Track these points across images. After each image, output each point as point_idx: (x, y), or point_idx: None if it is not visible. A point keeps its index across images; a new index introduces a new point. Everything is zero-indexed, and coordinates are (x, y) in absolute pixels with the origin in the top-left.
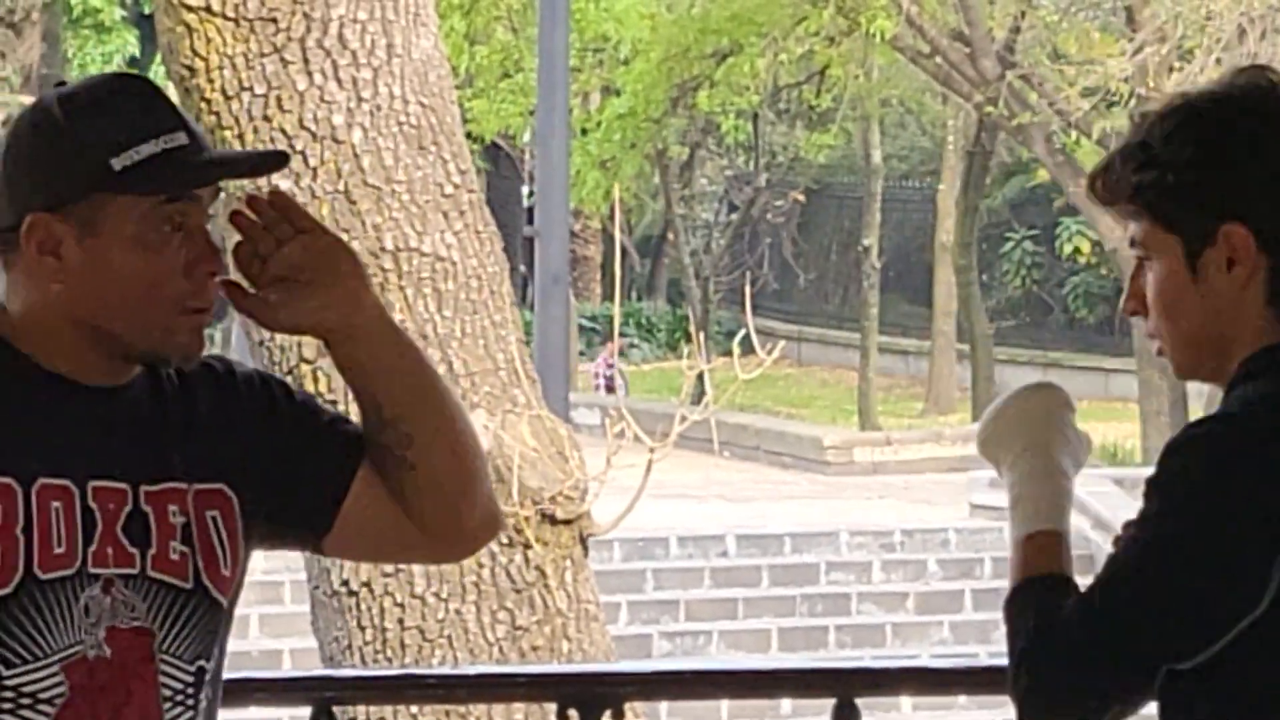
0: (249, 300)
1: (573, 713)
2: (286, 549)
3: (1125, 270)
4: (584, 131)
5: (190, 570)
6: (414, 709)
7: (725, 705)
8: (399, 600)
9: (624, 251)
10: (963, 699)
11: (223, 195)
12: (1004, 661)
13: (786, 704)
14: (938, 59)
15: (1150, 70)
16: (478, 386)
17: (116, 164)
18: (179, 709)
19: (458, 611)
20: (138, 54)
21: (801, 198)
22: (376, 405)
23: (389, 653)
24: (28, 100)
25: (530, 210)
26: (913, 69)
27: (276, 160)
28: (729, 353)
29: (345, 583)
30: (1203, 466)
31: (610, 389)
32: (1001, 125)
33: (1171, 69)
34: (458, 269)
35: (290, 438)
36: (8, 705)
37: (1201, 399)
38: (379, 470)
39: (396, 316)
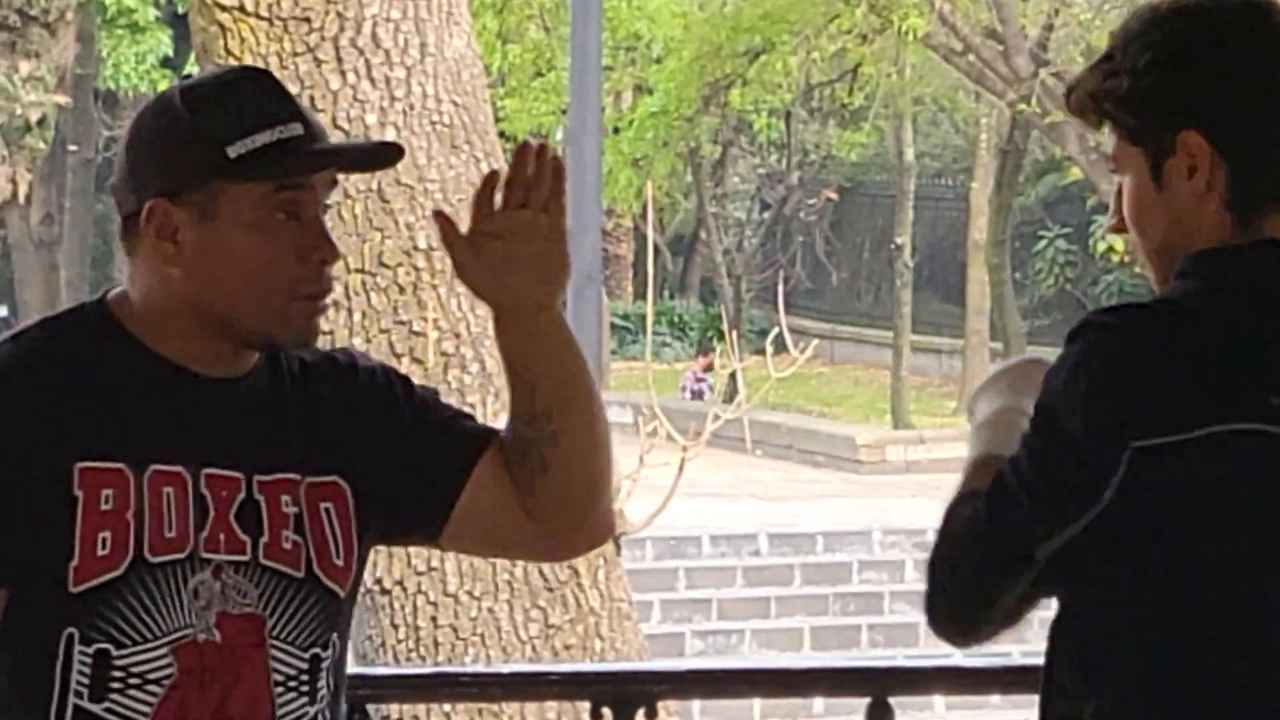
0: (455, 237)
1: (606, 711)
2: (404, 544)
3: None
4: (616, 130)
5: (303, 560)
6: (447, 707)
7: (757, 704)
8: (432, 599)
9: (656, 250)
10: (996, 698)
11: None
12: (1037, 661)
13: (819, 703)
14: (970, 56)
15: None
16: None
17: (232, 151)
18: (292, 695)
19: (490, 610)
20: (171, 54)
21: (834, 196)
22: (530, 396)
23: (422, 651)
24: (62, 100)
25: None
26: (945, 67)
27: (390, 152)
28: (761, 351)
29: (379, 581)
30: (1081, 348)
31: (698, 397)
32: (1034, 123)
33: None
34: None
35: (408, 433)
36: (117, 685)
37: None
38: (512, 465)
39: (429, 315)
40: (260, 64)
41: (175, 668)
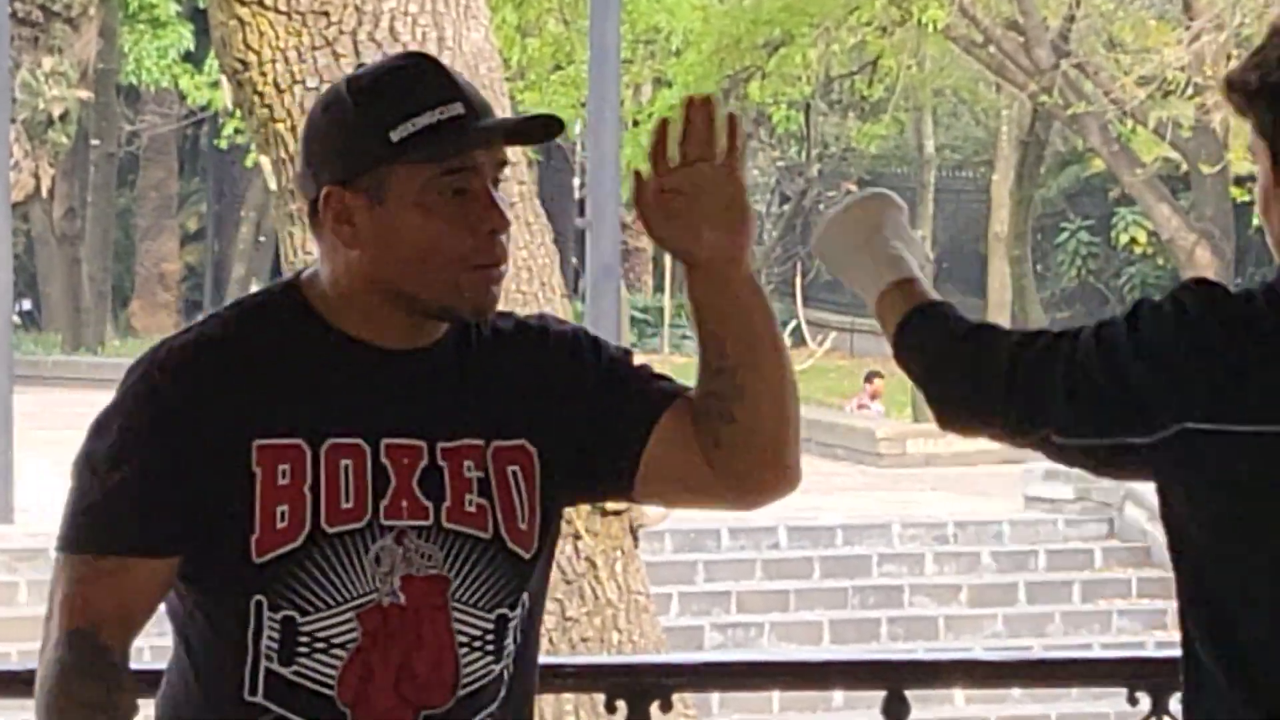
0: (645, 192)
1: (620, 704)
2: (598, 500)
3: (1181, 260)
4: (635, 123)
5: (490, 522)
6: None
7: (776, 697)
8: None
9: None
10: (1016, 692)
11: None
12: (1059, 654)
13: (838, 696)
14: (991, 48)
15: (1207, 58)
16: None
17: (394, 136)
18: (478, 654)
19: None
20: (192, 48)
21: (854, 188)
22: (720, 350)
23: None
24: (84, 95)
25: (582, 202)
26: (966, 58)
27: (547, 124)
28: None
29: None
30: (1170, 312)
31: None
32: (1056, 115)
33: (1229, 56)
34: (509, 260)
35: (595, 392)
36: (303, 649)
37: None
38: (699, 418)
39: None
40: (279, 58)
41: (359, 631)
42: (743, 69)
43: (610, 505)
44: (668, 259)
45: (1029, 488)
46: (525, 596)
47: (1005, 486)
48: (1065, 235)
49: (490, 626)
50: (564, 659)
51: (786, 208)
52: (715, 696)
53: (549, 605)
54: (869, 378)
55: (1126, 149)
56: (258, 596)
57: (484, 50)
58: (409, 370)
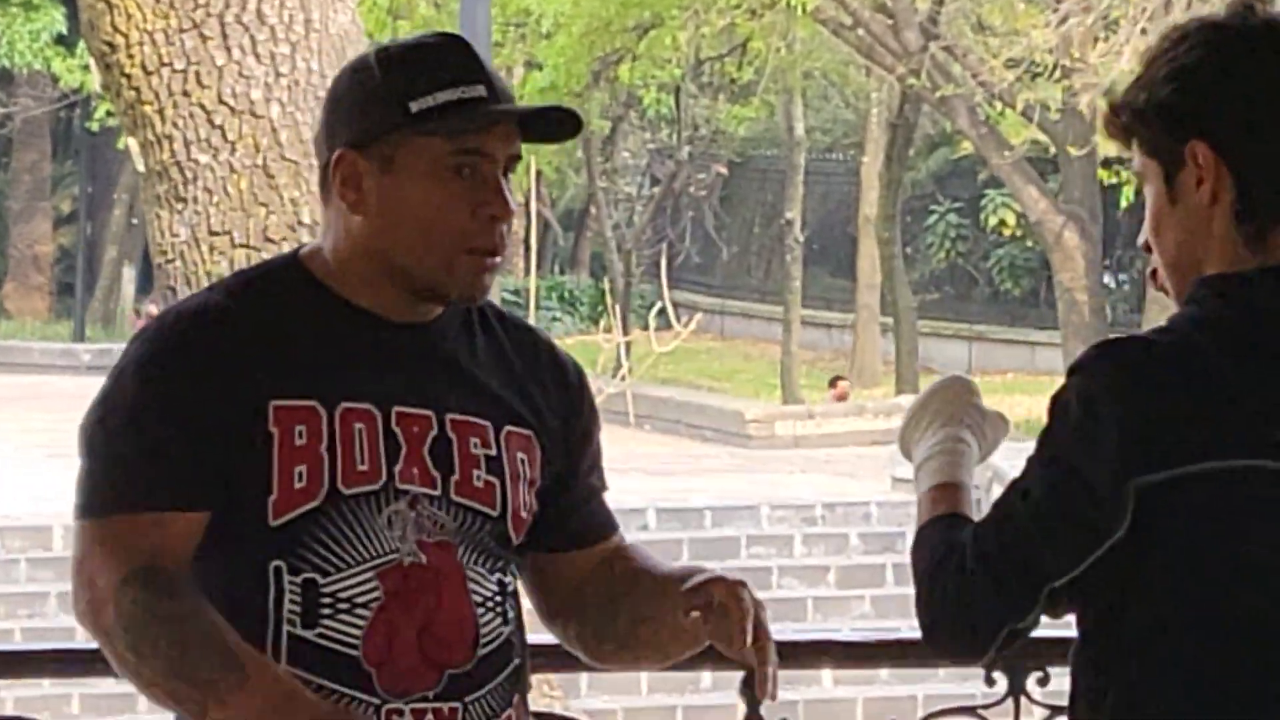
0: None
1: None
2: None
3: (1049, 242)
4: None
5: (498, 500)
6: None
7: (644, 678)
8: None
9: (546, 225)
10: (884, 673)
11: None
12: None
13: (707, 677)
14: (860, 31)
15: (1075, 41)
16: None
17: (414, 106)
18: (490, 615)
19: None
20: (65, 31)
21: (724, 171)
22: (639, 642)
23: None
24: None
25: None
26: (835, 41)
27: (568, 120)
28: (646, 326)
29: None
30: (1083, 383)
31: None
32: (925, 97)
33: (1096, 39)
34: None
35: (570, 451)
36: (327, 610)
37: None
38: (576, 609)
39: None
40: (147, 40)
41: (380, 590)
42: (613, 52)
43: None
44: (533, 238)
45: (896, 469)
46: (514, 568)
47: (873, 468)
48: (934, 217)
49: (495, 590)
50: None
51: (656, 190)
52: (584, 677)
53: None
54: (833, 382)
55: (995, 131)
56: (276, 562)
57: (350, 33)
58: (415, 342)
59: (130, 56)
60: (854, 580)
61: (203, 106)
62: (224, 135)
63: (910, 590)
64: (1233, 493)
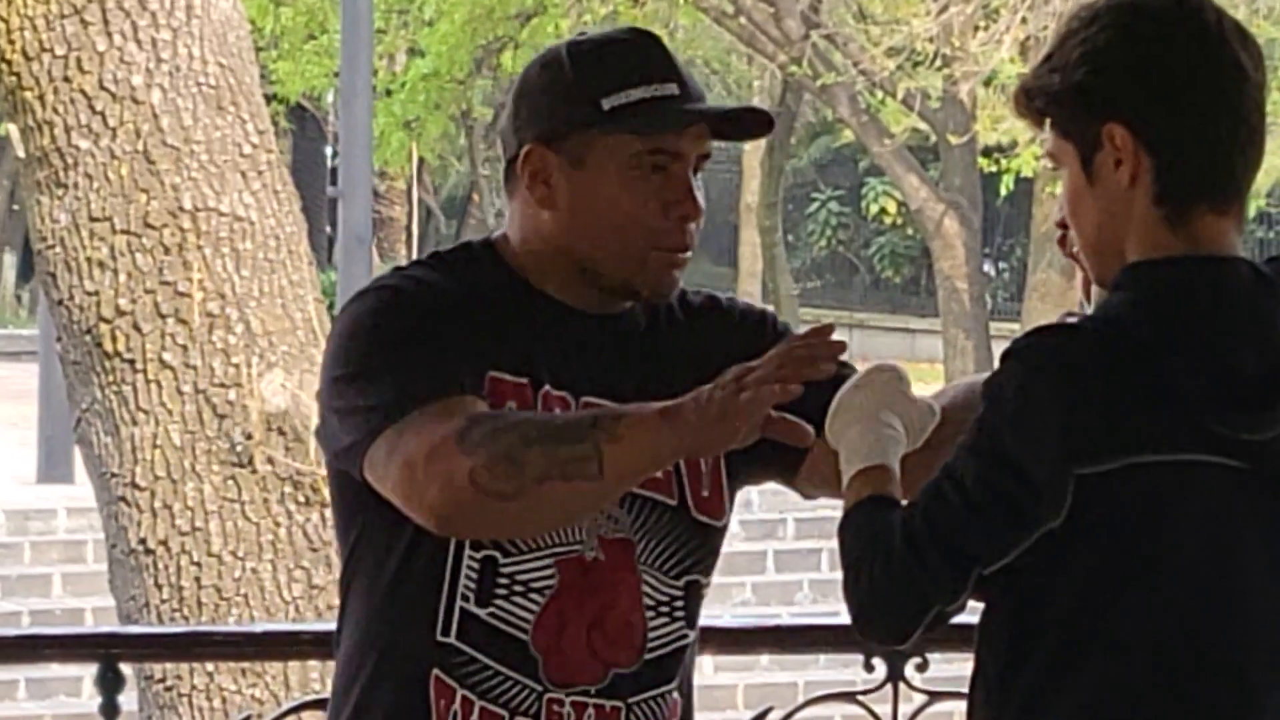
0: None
1: None
2: (767, 480)
3: (930, 230)
4: (389, 93)
5: (675, 488)
6: (210, 667)
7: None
8: (195, 559)
9: (429, 212)
10: (764, 660)
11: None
12: (806, 620)
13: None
14: (742, 19)
15: (955, 29)
16: (275, 346)
17: (606, 104)
18: (665, 619)
19: (254, 570)
20: None
21: None
22: None
23: (186, 611)
24: None
25: (334, 171)
26: (717, 29)
27: (760, 120)
28: None
29: (143, 541)
30: (1021, 372)
31: None
32: (806, 86)
33: (977, 28)
34: (256, 229)
35: None
36: (502, 591)
37: None
38: None
39: (195, 276)
40: (27, 25)
41: (558, 579)
42: (495, 39)
43: None
44: (414, 225)
45: None
46: (714, 564)
47: None
48: (816, 205)
49: (679, 593)
50: (301, 626)
51: None
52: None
53: (296, 573)
54: None
55: (876, 120)
56: None
57: (232, 19)
58: (605, 333)
59: (10, 42)
60: (734, 567)
61: (83, 92)
62: (105, 121)
63: (789, 577)
64: (1170, 486)
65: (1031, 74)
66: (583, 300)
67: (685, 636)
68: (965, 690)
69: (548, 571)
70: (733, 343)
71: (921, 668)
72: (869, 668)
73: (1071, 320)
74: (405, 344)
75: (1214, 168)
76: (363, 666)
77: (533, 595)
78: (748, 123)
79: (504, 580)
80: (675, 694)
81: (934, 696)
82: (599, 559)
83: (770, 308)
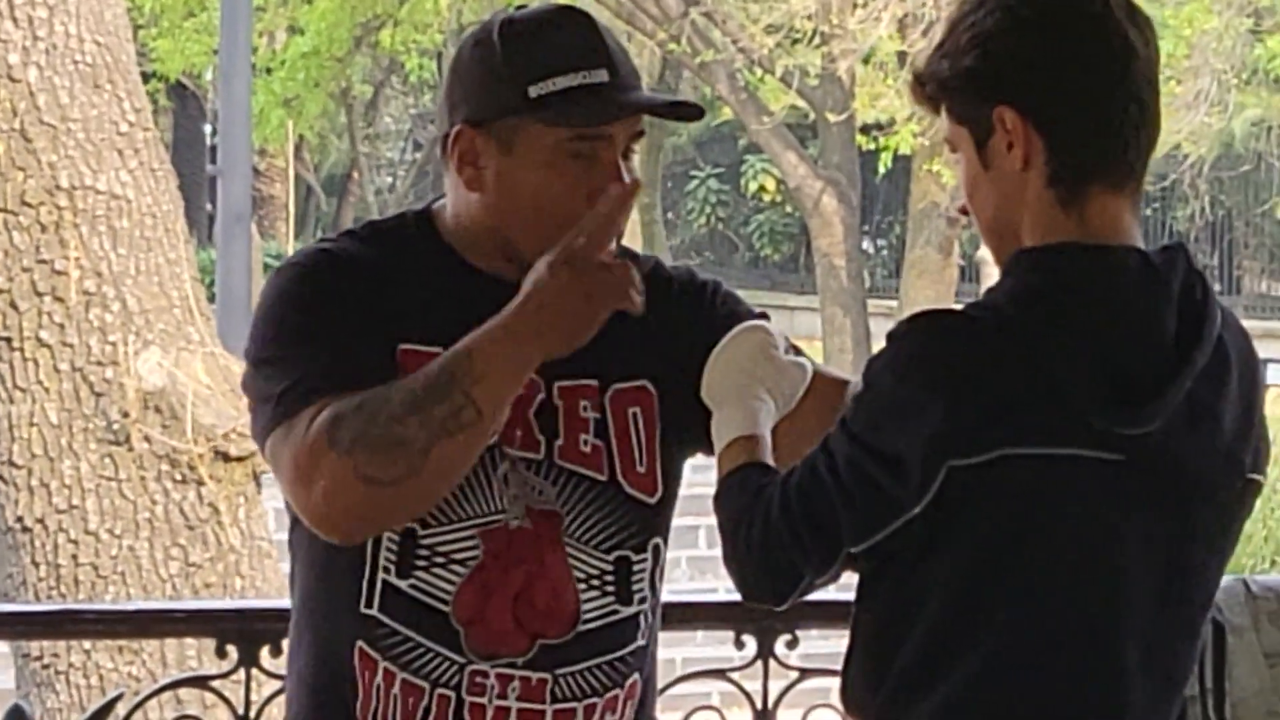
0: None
1: (231, 648)
2: (707, 453)
3: (809, 208)
4: (269, 70)
5: (605, 463)
6: (87, 645)
7: None
8: (73, 537)
9: (309, 190)
10: (700, 635)
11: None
12: (682, 598)
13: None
14: None
15: (834, 6)
16: (152, 324)
17: (534, 91)
18: (595, 593)
19: (131, 548)
20: None
21: None
22: None
23: (63, 589)
24: None
25: (214, 149)
26: (596, 7)
27: (687, 109)
28: None
29: (20, 519)
30: (900, 358)
31: None
32: (685, 63)
33: (855, 5)
34: (132, 206)
35: (715, 339)
36: (422, 562)
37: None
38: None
39: (71, 254)
40: None
41: (481, 550)
42: (374, 17)
43: (234, 451)
44: (291, 203)
45: None
46: (656, 542)
47: None
48: (695, 183)
49: (609, 568)
50: (175, 604)
51: (419, 155)
52: None
53: (173, 551)
54: None
55: (755, 97)
56: None
57: None
58: None
59: None
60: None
61: None
62: None
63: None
64: (1043, 478)
65: (924, 60)
66: (511, 273)
67: (617, 611)
68: (836, 667)
69: (470, 543)
70: (673, 313)
71: (792, 644)
72: (739, 645)
73: (956, 306)
74: (308, 331)
75: (1105, 147)
76: (300, 640)
77: (454, 566)
78: (677, 112)
79: (424, 552)
80: (619, 668)
81: (805, 673)
82: (524, 527)
83: (715, 278)
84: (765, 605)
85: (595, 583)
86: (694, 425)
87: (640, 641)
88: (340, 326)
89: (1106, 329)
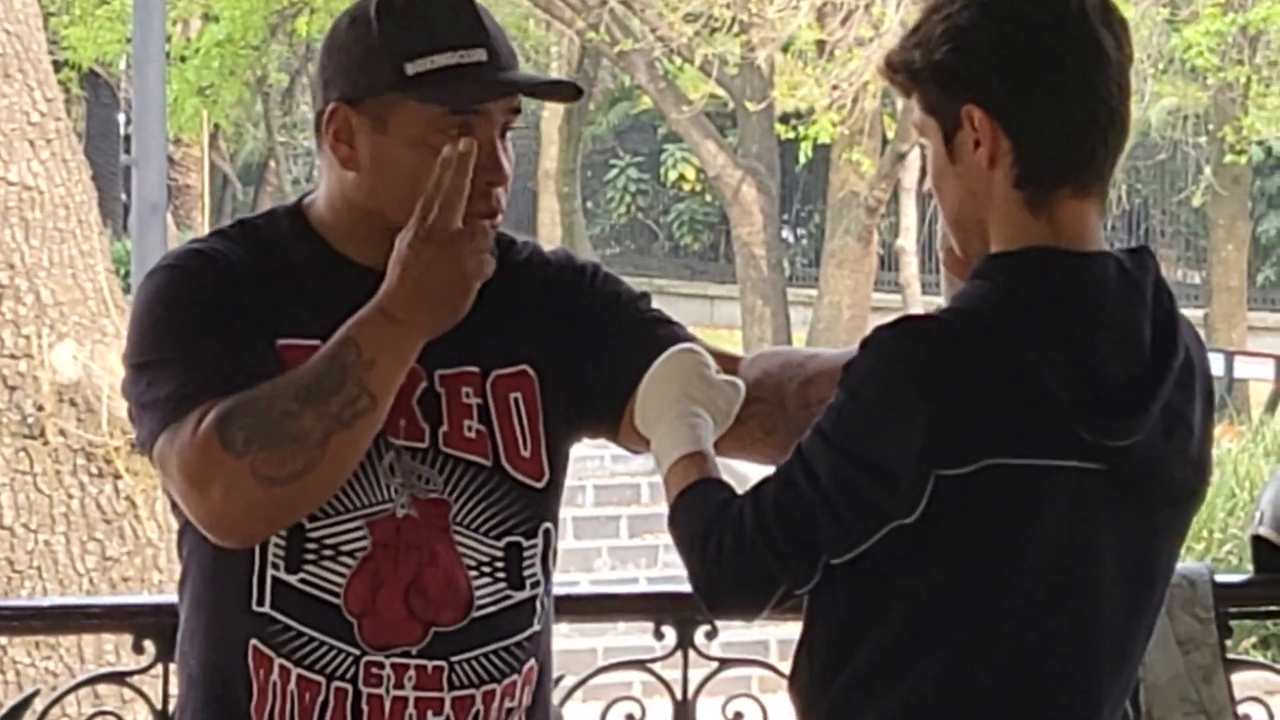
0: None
1: (148, 644)
2: (589, 435)
3: (728, 197)
4: (183, 59)
5: (489, 449)
6: (2, 641)
7: None
8: None
9: (225, 179)
10: (564, 626)
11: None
12: (603, 589)
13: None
14: None
15: None
16: (66, 316)
17: (410, 69)
18: (487, 579)
19: (47, 543)
20: None
21: None
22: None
23: None
24: None
25: (128, 138)
26: None
27: (564, 89)
28: None
29: None
30: (882, 367)
31: None
32: (604, 52)
33: None
34: (45, 198)
35: (597, 325)
36: (311, 556)
37: (805, 326)
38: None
39: None
40: None
41: (369, 540)
42: (290, 4)
43: None
44: (206, 194)
45: None
46: (546, 527)
47: None
48: (615, 172)
49: (500, 553)
50: (90, 599)
51: None
52: None
53: (90, 545)
54: None
55: (674, 86)
56: None
57: None
58: None
59: None
60: (589, 531)
61: None
62: None
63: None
64: (1030, 488)
65: (898, 46)
66: (384, 260)
67: (510, 597)
68: (756, 657)
69: (359, 534)
70: (551, 296)
71: (711, 635)
72: (659, 635)
73: (932, 313)
74: (186, 334)
75: (1073, 151)
76: (191, 642)
77: (343, 558)
78: (555, 92)
79: (312, 545)
80: (515, 654)
81: (724, 663)
82: (411, 516)
83: (594, 260)
84: (736, 618)
85: (486, 569)
86: (577, 408)
87: (535, 627)
88: (218, 325)
89: (1089, 337)
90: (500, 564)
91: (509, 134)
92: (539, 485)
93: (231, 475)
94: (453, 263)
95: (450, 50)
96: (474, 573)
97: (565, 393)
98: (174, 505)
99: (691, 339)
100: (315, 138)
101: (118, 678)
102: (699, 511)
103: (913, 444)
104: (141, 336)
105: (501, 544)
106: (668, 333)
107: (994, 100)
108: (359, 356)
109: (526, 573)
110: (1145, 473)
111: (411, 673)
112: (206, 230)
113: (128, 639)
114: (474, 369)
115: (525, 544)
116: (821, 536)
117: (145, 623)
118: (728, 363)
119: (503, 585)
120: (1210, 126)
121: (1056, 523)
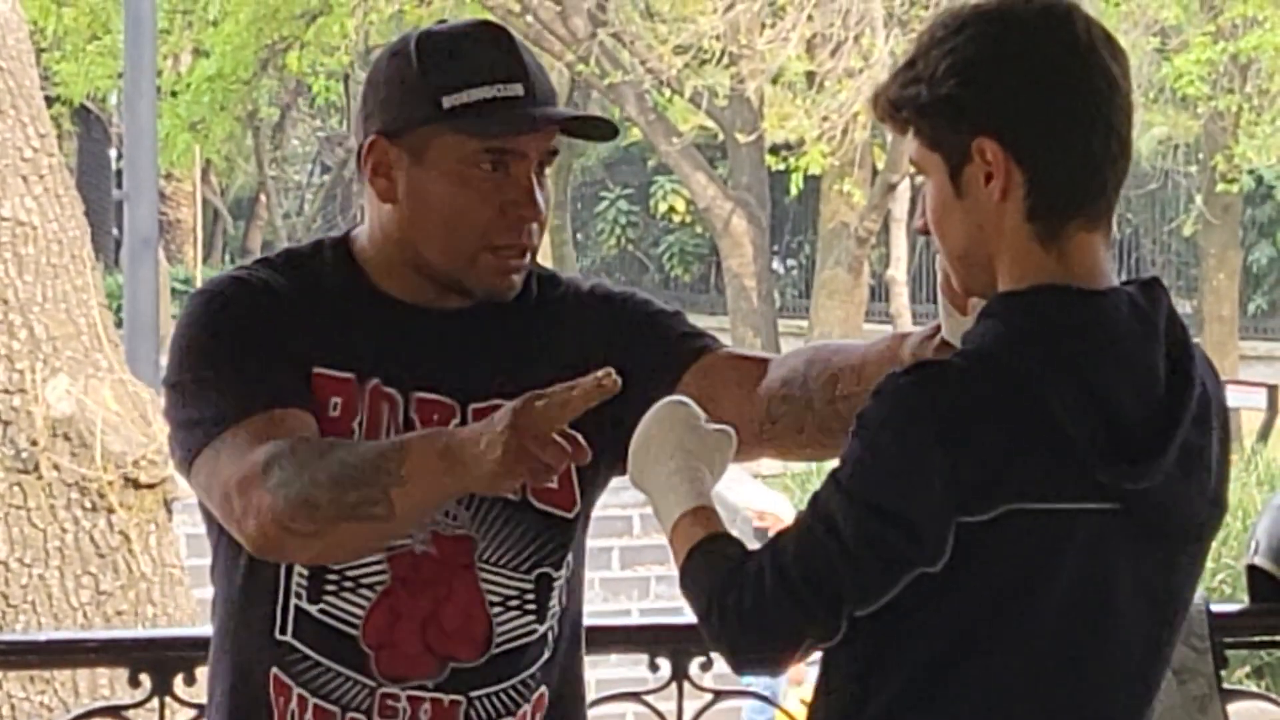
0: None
1: (144, 678)
2: (619, 474)
3: (718, 229)
4: (174, 94)
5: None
6: None
7: None
8: None
9: (216, 213)
10: (614, 657)
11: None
12: (596, 621)
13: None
14: (529, 17)
15: (742, 27)
16: (60, 351)
17: (447, 102)
18: (513, 614)
19: (41, 577)
20: None
21: None
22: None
23: None
24: None
25: (119, 173)
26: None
27: (602, 127)
28: None
29: None
30: (899, 416)
31: None
32: (594, 84)
33: (763, 25)
34: (38, 233)
35: (627, 348)
36: (331, 587)
37: None
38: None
39: None
40: None
41: (389, 575)
42: (281, 39)
43: (144, 478)
44: (199, 228)
45: None
46: (570, 557)
47: None
48: (605, 204)
49: (529, 586)
50: (87, 633)
51: (327, 178)
52: None
53: (84, 579)
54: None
55: (664, 118)
56: None
57: (11, 21)
58: (446, 329)
59: None
60: None
61: None
62: None
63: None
64: (1051, 532)
65: (894, 81)
66: (421, 296)
67: (534, 630)
68: (749, 690)
69: (379, 567)
70: (586, 329)
71: (706, 666)
72: (654, 667)
73: (945, 358)
74: (226, 356)
75: (1086, 182)
76: (218, 668)
77: (363, 591)
78: (592, 128)
79: (334, 577)
80: (529, 684)
81: (719, 694)
82: (430, 553)
83: (630, 289)
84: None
85: (514, 603)
86: (613, 438)
87: (547, 655)
88: (256, 350)
89: (1105, 378)
90: (530, 596)
91: (546, 173)
92: (569, 515)
93: (258, 506)
94: (524, 462)
95: (488, 84)
96: (499, 608)
97: (599, 426)
98: (207, 528)
99: (719, 346)
100: (356, 171)
101: (114, 711)
102: (713, 569)
103: (934, 493)
104: (181, 359)
105: (532, 576)
106: (691, 345)
107: (1007, 131)
108: (398, 469)
109: (550, 603)
110: (1163, 513)
111: (427, 705)
112: (198, 265)
113: (123, 673)
114: (502, 402)
115: (554, 575)
116: (845, 589)
117: (142, 656)
118: (757, 365)
119: (530, 619)
120: (1201, 155)
121: (1076, 564)
